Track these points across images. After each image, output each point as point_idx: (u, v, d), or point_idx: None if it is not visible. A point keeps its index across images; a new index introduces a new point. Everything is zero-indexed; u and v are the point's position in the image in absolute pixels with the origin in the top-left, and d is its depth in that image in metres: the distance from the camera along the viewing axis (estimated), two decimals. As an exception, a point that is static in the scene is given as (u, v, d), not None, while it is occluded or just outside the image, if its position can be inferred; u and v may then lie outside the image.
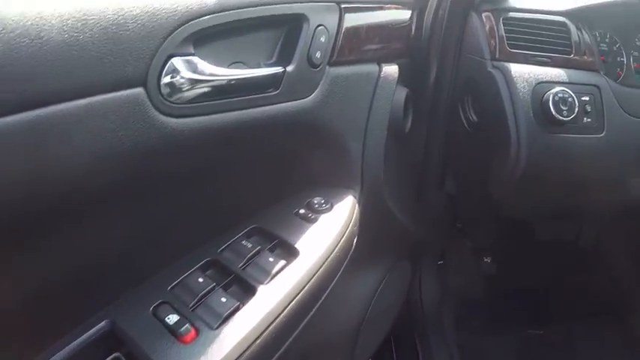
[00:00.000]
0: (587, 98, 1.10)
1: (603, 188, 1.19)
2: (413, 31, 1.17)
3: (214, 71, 0.68)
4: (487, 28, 1.11)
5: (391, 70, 0.97)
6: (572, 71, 1.12)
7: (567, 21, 1.16)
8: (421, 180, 1.23)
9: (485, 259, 1.43)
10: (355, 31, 0.88)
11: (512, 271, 1.49)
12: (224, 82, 0.69)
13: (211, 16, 0.68)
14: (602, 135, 1.10)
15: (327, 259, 0.77)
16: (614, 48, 1.25)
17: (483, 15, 1.11)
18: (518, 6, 1.16)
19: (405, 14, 1.02)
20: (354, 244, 0.87)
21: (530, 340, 1.55)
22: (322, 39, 0.81)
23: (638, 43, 1.27)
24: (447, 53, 1.13)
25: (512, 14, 1.13)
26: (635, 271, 1.56)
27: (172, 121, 0.65)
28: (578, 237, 1.48)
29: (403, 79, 1.05)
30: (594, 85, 1.12)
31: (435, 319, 1.37)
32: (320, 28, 0.81)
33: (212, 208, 0.78)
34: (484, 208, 1.32)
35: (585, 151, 1.10)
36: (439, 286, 1.39)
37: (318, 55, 0.80)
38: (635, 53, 1.26)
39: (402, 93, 1.03)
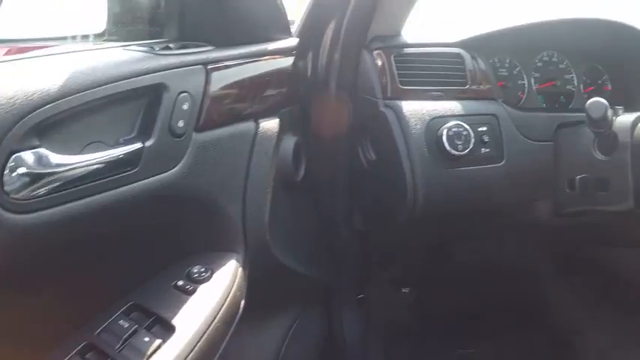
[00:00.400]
0: (485, 128, 1.12)
1: (509, 213, 1.21)
2: (309, 73, 1.19)
3: (63, 160, 0.68)
4: (378, 66, 1.12)
5: (270, 124, 0.97)
6: (468, 102, 1.14)
7: (462, 51, 1.18)
8: (329, 221, 1.25)
9: (404, 290, 1.45)
10: (224, 91, 0.89)
11: (435, 296, 1.52)
12: (74, 170, 0.69)
13: (54, 103, 0.68)
14: (502, 164, 1.13)
15: (205, 333, 0.78)
16: (514, 72, 1.28)
17: (374, 53, 1.13)
18: (410, 41, 1.17)
19: (286, 62, 1.03)
20: (240, 309, 0.87)
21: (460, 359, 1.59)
22: (185, 106, 0.81)
23: (539, 64, 1.31)
24: (343, 94, 1.15)
25: (404, 50, 1.15)
26: (557, 281, 1.61)
27: (20, 217, 0.65)
28: (499, 254, 1.51)
29: (293, 126, 1.07)
30: (492, 115, 1.14)
31: (360, 353, 1.38)
32: (182, 95, 0.81)
33: (87, 291, 0.78)
34: (394, 241, 1.34)
35: (485, 182, 1.12)
36: (362, 319, 1.40)
37: (180, 124, 0.80)
38: (537, 74, 1.30)
39: (289, 142, 1.04)
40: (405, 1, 1.16)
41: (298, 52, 1.16)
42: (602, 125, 1.04)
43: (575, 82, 1.34)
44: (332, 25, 1.16)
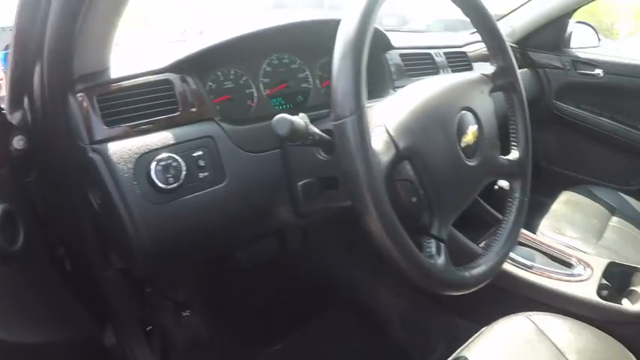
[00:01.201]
0: (201, 152, 1.16)
1: (249, 225, 1.28)
2: (29, 121, 1.20)
3: None
4: (82, 110, 1.13)
5: None
6: (181, 129, 1.17)
7: (171, 75, 1.21)
8: (83, 270, 1.28)
9: (185, 313, 1.50)
10: None
11: (226, 307, 1.60)
12: None
13: None
14: (224, 184, 1.18)
15: None
16: (241, 82, 1.34)
17: (78, 96, 1.14)
18: (115, 76, 1.19)
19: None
20: None
21: (272, 357, 1.71)
22: None
23: (267, 69, 1.38)
24: (60, 143, 1.16)
25: (108, 87, 1.16)
26: (345, 256, 1.72)
27: None
28: (282, 249, 1.59)
29: (5, 190, 1.09)
30: (207, 137, 1.18)
31: None
32: None
33: None
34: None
35: (211, 205, 1.16)
36: (156, 350, 1.45)
37: None
38: (266, 80, 1.37)
39: None
40: (103, 34, 1.17)
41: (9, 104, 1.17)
42: (295, 139, 1.02)
43: (311, 80, 1.42)
44: (38, 69, 1.17)
